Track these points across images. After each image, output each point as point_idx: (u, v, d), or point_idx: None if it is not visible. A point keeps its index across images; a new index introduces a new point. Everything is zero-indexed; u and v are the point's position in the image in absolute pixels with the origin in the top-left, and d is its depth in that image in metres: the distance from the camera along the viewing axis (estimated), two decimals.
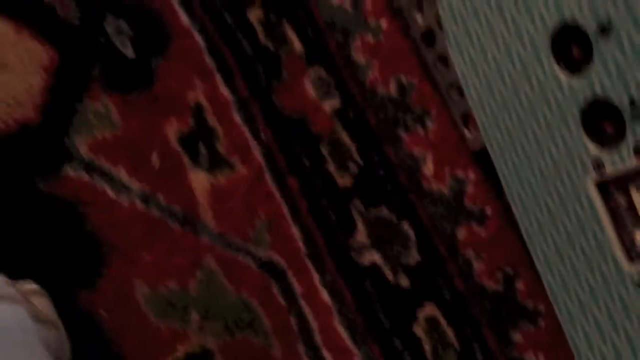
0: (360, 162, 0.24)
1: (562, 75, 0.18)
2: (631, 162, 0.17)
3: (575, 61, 0.18)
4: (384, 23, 0.25)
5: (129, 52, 0.21)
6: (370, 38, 0.25)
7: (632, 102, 0.16)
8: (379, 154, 0.24)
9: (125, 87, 0.21)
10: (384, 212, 0.23)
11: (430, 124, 0.25)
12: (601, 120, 0.17)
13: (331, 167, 0.23)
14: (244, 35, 0.23)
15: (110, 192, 0.19)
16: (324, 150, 0.23)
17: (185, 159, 0.21)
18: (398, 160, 0.24)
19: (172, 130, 0.21)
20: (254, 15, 0.24)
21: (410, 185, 0.24)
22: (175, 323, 0.20)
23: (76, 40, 0.20)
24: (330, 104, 0.24)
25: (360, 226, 0.23)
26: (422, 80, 0.25)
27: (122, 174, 0.20)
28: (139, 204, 0.20)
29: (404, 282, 0.23)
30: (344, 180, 0.23)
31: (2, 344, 0.16)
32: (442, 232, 0.24)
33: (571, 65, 0.18)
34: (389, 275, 0.23)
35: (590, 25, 0.17)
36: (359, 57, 0.25)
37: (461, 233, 0.24)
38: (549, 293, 0.19)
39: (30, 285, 0.17)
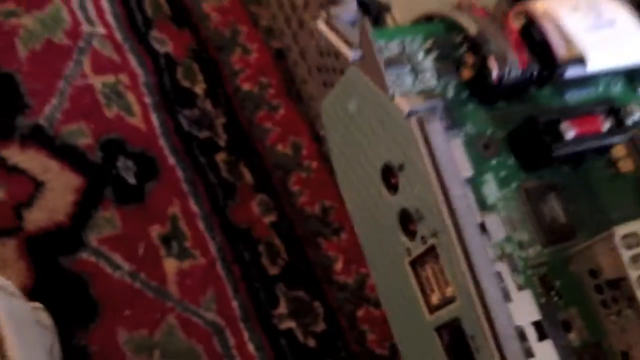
0: (287, 258, 0.34)
1: (388, 194, 0.28)
2: (421, 249, 0.26)
3: (394, 185, 0.28)
4: (314, 164, 0.37)
5: (132, 180, 0.33)
6: (303, 174, 0.36)
7: (416, 211, 0.26)
8: (302, 253, 0.34)
9: (126, 202, 0.32)
10: (301, 293, 0.33)
11: (343, 235, 0.35)
12: (408, 222, 0.27)
13: (265, 260, 0.33)
14: (212, 170, 0.35)
15: (108, 270, 0.30)
16: (261, 249, 0.34)
17: (162, 251, 0.32)
18: (316, 259, 0.34)
19: (155, 231, 0.32)
20: (220, 157, 0.35)
21: (324, 277, 0.34)
22: (143, 358, 0.29)
23: (97, 172, 0.32)
24: (269, 218, 0.34)
25: (282, 302, 0.33)
26: (340, 204, 0.35)
27: (118, 258, 0.31)
28: (127, 279, 0.31)
29: (312, 343, 0.32)
30: (273, 270, 0.33)
31: (24, 331, 0.21)
32: (345, 311, 0.33)
33: (391, 188, 0.28)
34: (301, 338, 0.32)
35: (395, 166, 0.27)
36: (294, 188, 0.36)
37: (360, 312, 0.33)
38: (395, 337, 0.28)
39: (35, 303, 0.27)
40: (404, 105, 0.25)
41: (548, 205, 0.30)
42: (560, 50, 0.32)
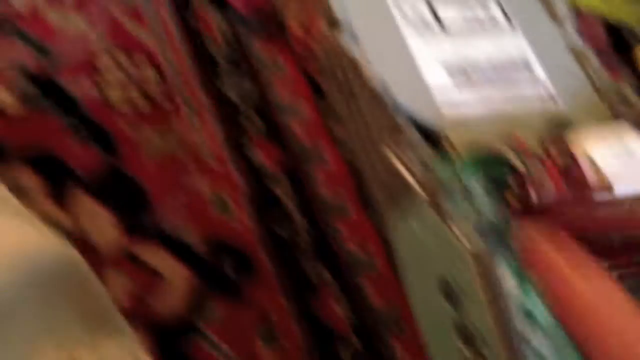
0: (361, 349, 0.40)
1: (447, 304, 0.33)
2: None
3: (453, 300, 0.34)
4: (380, 261, 0.43)
5: (233, 275, 0.39)
6: (374, 274, 0.43)
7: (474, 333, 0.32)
8: (374, 346, 0.40)
9: (229, 297, 0.39)
10: None
11: (410, 333, 0.41)
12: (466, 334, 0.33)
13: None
14: (297, 272, 0.41)
15: (216, 354, 0.37)
16: (340, 347, 0.40)
17: (257, 339, 0.38)
18: (385, 353, 0.40)
19: (252, 324, 0.38)
20: (303, 259, 0.42)
21: None
22: None
23: (205, 268, 0.39)
24: (344, 314, 0.41)
25: None
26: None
27: (224, 347, 0.37)
28: None
29: None
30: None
31: None
32: None
33: (451, 301, 0.33)
34: None
35: (455, 290, 0.33)
36: (367, 287, 0.42)
37: None
38: None
39: None
40: (465, 240, 0.32)
41: None
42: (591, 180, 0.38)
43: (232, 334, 0.36)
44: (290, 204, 0.43)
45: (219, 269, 0.38)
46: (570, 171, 0.38)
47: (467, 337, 0.33)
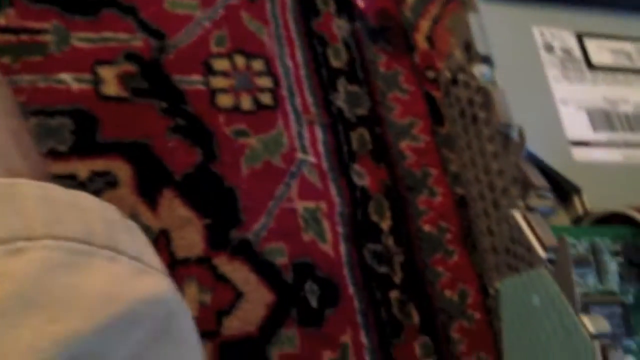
0: None
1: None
2: None
3: None
4: (477, 315, 0.39)
5: (314, 303, 0.37)
6: (465, 323, 0.39)
7: None
8: None
9: (307, 324, 0.36)
10: None
11: None
12: None
13: None
14: (384, 306, 0.38)
15: None
16: None
17: None
18: None
19: (327, 356, 0.36)
20: (393, 295, 0.39)
21: None
22: None
23: (288, 292, 0.37)
24: None
25: None
26: (495, 357, 0.37)
27: None
28: None
29: None
30: None
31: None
32: None
33: None
34: None
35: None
36: (455, 335, 0.38)
37: None
38: None
39: None
40: (589, 325, 0.27)
41: None
42: None
43: None
44: (387, 233, 0.40)
45: (301, 294, 0.36)
46: None
47: None
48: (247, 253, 0.37)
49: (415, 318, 0.38)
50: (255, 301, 0.36)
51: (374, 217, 0.40)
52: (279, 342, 0.35)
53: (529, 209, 0.32)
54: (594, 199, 0.37)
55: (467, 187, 0.41)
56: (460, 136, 0.42)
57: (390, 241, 0.39)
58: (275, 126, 0.41)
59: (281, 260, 0.37)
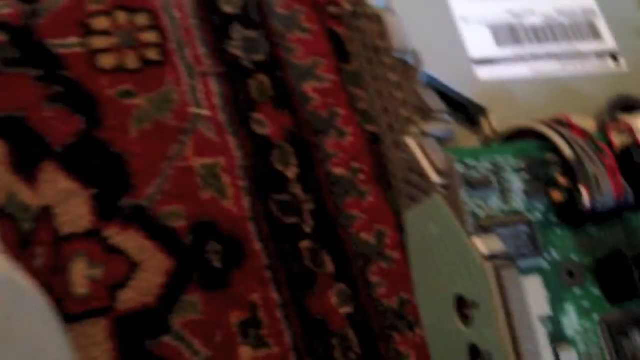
0: (359, 352, 0.34)
1: (460, 323, 0.27)
2: None
3: (466, 318, 0.28)
4: (396, 254, 0.37)
5: (218, 264, 0.34)
6: (384, 265, 0.37)
7: (487, 353, 0.26)
8: (374, 349, 0.35)
9: (211, 287, 0.34)
10: None
11: (417, 330, 0.35)
12: (477, 356, 0.27)
13: (337, 354, 0.34)
14: (295, 258, 0.36)
15: (187, 353, 0.32)
16: (334, 342, 0.34)
17: (239, 338, 0.33)
18: (387, 354, 0.35)
19: (235, 318, 0.34)
20: (304, 245, 0.36)
21: None
22: None
23: (188, 255, 0.34)
24: (345, 310, 0.35)
25: None
26: None
27: (196, 344, 0.32)
28: None
29: None
30: None
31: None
32: None
33: (464, 319, 0.27)
34: None
35: (469, 301, 0.27)
36: (373, 278, 0.36)
37: None
38: None
39: None
40: (482, 247, 0.25)
41: (631, 341, 0.28)
42: None
43: (208, 330, 0.32)
44: (294, 181, 0.37)
45: (203, 256, 0.33)
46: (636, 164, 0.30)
47: (477, 356, 0.27)
48: (140, 220, 0.34)
49: (330, 266, 0.35)
50: (152, 270, 0.33)
51: (279, 166, 0.38)
52: (181, 310, 0.33)
53: (424, 134, 0.30)
54: (503, 118, 0.34)
55: (377, 122, 0.39)
56: (366, 70, 0.40)
57: (297, 189, 0.37)
58: (165, 83, 0.38)
59: (179, 223, 0.35)
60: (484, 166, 0.30)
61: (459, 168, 0.30)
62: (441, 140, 0.31)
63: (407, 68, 0.35)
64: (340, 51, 0.42)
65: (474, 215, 0.29)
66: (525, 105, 0.35)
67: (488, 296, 0.24)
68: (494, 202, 0.30)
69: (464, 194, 0.29)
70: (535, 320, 0.25)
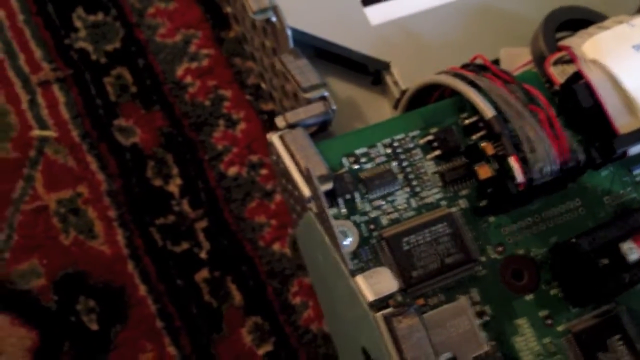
0: None
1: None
2: None
3: None
4: None
5: (94, 325, 0.27)
6: (308, 279, 0.29)
7: None
8: None
9: (89, 356, 0.27)
10: None
11: None
12: None
13: None
14: (192, 296, 0.29)
15: None
16: None
17: None
18: None
19: None
20: (201, 275, 0.29)
21: None
22: None
23: (53, 322, 0.27)
24: (264, 349, 0.28)
25: None
26: None
27: None
28: None
29: None
30: None
31: None
32: None
33: None
34: None
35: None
36: (295, 301, 0.29)
37: None
38: None
39: None
40: (367, 291, 0.18)
41: (610, 354, 0.21)
42: (618, 118, 0.22)
43: None
44: (179, 196, 0.30)
45: (72, 321, 0.26)
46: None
47: None
48: None
49: (237, 297, 0.28)
50: (12, 351, 0.26)
51: (156, 181, 0.30)
52: None
53: (291, 126, 0.22)
54: (410, 71, 0.26)
55: (272, 97, 0.31)
56: (249, 31, 0.31)
57: (185, 205, 0.30)
58: None
59: (38, 282, 0.28)
60: (380, 151, 0.23)
61: (346, 162, 0.22)
62: (320, 124, 0.23)
63: (275, 30, 0.26)
64: (215, 16, 0.34)
65: (375, 223, 0.21)
66: (435, 49, 0.27)
67: (385, 354, 0.17)
68: (401, 199, 0.22)
69: (358, 199, 0.22)
70: None
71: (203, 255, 0.29)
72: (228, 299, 0.28)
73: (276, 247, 0.30)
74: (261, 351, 0.28)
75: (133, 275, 0.28)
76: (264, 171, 0.31)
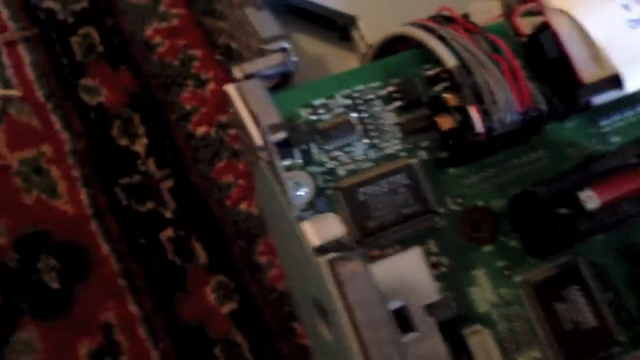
0: (251, 357, 0.27)
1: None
2: None
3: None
4: None
5: (55, 284, 0.27)
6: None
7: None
8: (270, 347, 0.27)
9: (49, 315, 0.27)
10: None
11: None
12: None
13: None
14: (155, 254, 0.28)
15: None
16: (218, 351, 0.27)
17: None
18: (290, 352, 0.27)
19: (84, 348, 0.26)
20: (166, 234, 0.29)
21: None
22: None
23: (13, 281, 0.27)
24: (228, 307, 0.28)
25: None
26: None
27: None
28: None
29: None
30: None
31: None
32: None
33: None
34: None
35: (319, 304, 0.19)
36: (261, 260, 0.29)
37: None
38: None
39: None
40: (312, 236, 0.17)
41: (568, 304, 0.20)
42: (583, 68, 0.22)
43: None
44: (144, 156, 0.29)
45: (34, 278, 0.26)
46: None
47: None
48: None
49: (202, 256, 0.28)
50: None
51: (123, 141, 0.30)
52: (14, 353, 0.26)
53: (248, 76, 0.22)
54: (377, 26, 0.26)
55: (243, 57, 0.30)
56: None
57: (150, 165, 0.29)
58: None
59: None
60: (339, 102, 0.22)
61: (303, 113, 0.22)
62: (282, 79, 0.23)
63: None
64: None
65: (332, 174, 0.21)
66: (403, 3, 0.26)
67: (330, 299, 0.16)
68: (359, 150, 0.22)
69: (314, 149, 0.21)
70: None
71: (168, 214, 0.29)
72: (192, 258, 0.28)
73: (243, 206, 0.29)
74: (225, 309, 0.27)
75: (96, 234, 0.28)
76: (233, 131, 0.30)
